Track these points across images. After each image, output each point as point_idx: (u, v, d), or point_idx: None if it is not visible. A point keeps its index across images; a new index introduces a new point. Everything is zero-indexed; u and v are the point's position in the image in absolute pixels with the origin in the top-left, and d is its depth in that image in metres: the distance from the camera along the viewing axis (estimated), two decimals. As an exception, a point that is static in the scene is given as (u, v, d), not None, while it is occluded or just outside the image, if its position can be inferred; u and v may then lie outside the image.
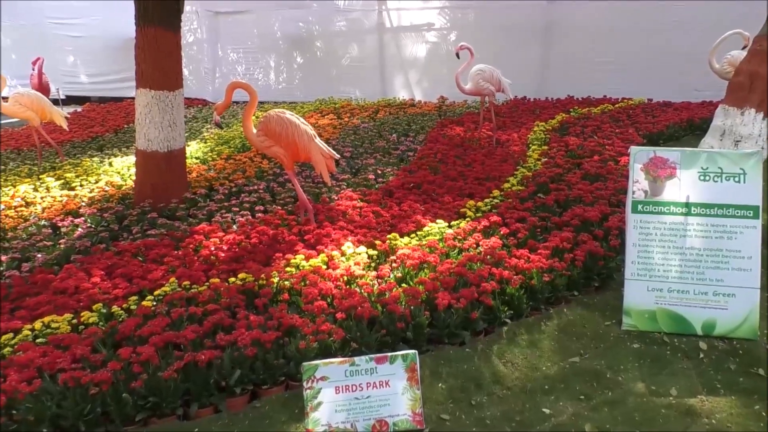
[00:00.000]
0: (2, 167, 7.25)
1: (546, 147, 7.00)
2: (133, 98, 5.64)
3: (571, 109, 9.13)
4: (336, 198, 5.40)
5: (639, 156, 3.67)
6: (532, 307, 3.79)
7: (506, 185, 5.59)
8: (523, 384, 3.12)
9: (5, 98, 7.11)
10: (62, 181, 6.43)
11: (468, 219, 4.79)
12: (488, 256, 4.02)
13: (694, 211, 3.54)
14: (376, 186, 5.83)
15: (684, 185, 3.58)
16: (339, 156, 5.06)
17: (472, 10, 11.53)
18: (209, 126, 9.54)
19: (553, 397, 3.01)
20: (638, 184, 3.64)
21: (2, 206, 5.56)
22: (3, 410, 2.66)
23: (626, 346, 3.42)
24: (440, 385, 3.11)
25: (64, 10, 13.98)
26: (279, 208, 5.22)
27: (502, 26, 11.10)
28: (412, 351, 2.86)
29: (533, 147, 7.00)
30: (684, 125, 8.34)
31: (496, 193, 5.33)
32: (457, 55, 7.20)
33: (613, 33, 10.58)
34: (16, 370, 2.85)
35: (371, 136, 7.93)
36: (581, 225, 4.56)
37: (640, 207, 3.62)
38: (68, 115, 8.23)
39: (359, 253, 4.11)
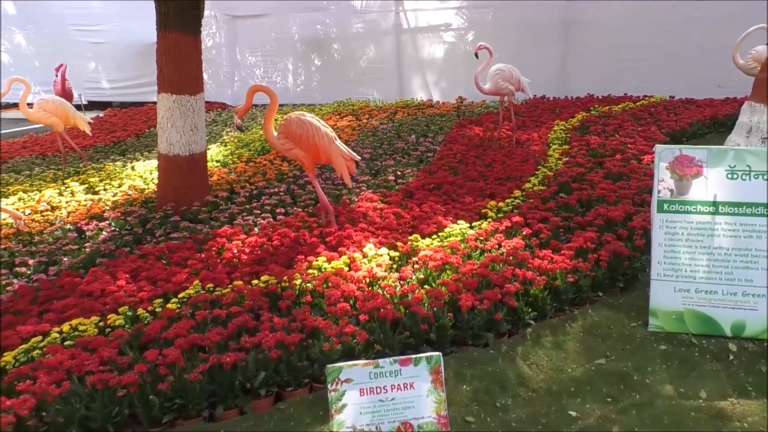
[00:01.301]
0: (28, 172, 7.37)
1: (567, 146, 6.93)
2: (154, 103, 5.71)
3: (592, 108, 9.04)
4: (356, 200, 5.41)
5: (664, 154, 3.61)
6: (556, 308, 3.75)
7: (527, 185, 5.55)
8: (549, 386, 3.09)
9: (30, 105, 7.23)
10: (86, 185, 6.52)
11: (489, 219, 4.76)
12: (511, 257, 3.99)
13: (722, 210, 3.48)
14: (396, 187, 5.83)
15: (711, 184, 3.52)
16: (359, 158, 5.06)
17: (490, 10, 11.48)
18: (229, 129, 9.62)
19: (580, 399, 2.98)
20: (664, 183, 3.58)
21: (29, 211, 5.65)
22: (33, 412, 2.69)
23: (653, 348, 3.37)
24: (464, 387, 3.09)
25: (86, 18, 14.20)
26: (300, 210, 5.23)
27: (521, 25, 11.03)
28: (437, 353, 2.84)
29: (554, 146, 6.94)
30: (708, 123, 8.21)
31: (517, 193, 5.29)
32: (476, 55, 7.17)
33: (634, 30, 10.45)
34: (46, 373, 2.89)
35: (390, 138, 7.92)
36: (605, 225, 4.50)
37: (665, 206, 3.57)
38: (91, 121, 8.34)
39: (381, 255, 4.11)
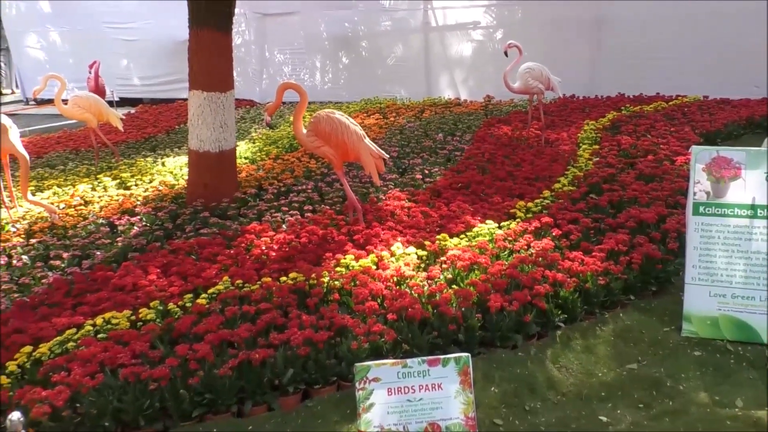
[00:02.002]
0: (62, 167, 7.53)
1: (597, 146, 6.83)
2: (184, 99, 5.79)
3: (623, 107, 8.89)
4: (384, 198, 5.40)
5: (701, 156, 3.53)
6: (586, 311, 3.70)
7: (557, 185, 5.48)
8: (579, 390, 3.05)
9: (65, 101, 7.38)
10: (118, 180, 6.64)
11: (518, 220, 4.71)
12: (540, 258, 3.94)
13: (761, 213, 3.39)
14: (424, 186, 5.80)
15: (749, 186, 3.42)
16: (387, 156, 5.06)
17: (519, 7, 11.36)
18: (257, 126, 9.69)
19: (611, 404, 2.93)
20: (700, 185, 3.50)
21: (63, 205, 5.77)
22: (68, 403, 2.75)
23: (687, 354, 3.30)
24: (493, 389, 3.06)
25: (120, 15, 14.45)
26: (327, 207, 5.25)
27: (551, 23, 10.89)
28: (465, 354, 2.82)
29: (584, 146, 6.84)
30: (743, 123, 8.01)
31: (546, 193, 5.23)
32: (506, 54, 7.10)
33: (667, 27, 10.23)
34: (80, 365, 2.95)
35: (417, 136, 7.90)
36: (637, 227, 4.42)
37: (701, 209, 3.49)
38: (123, 117, 8.49)
39: (409, 254, 4.10)
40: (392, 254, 4.11)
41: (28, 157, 5.39)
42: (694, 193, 3.51)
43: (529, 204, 4.99)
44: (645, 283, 3.95)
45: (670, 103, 9.19)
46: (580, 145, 6.96)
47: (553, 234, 4.35)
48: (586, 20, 10.82)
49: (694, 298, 3.46)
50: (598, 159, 6.30)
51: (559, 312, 3.60)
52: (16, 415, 2.17)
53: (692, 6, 9.88)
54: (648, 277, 3.95)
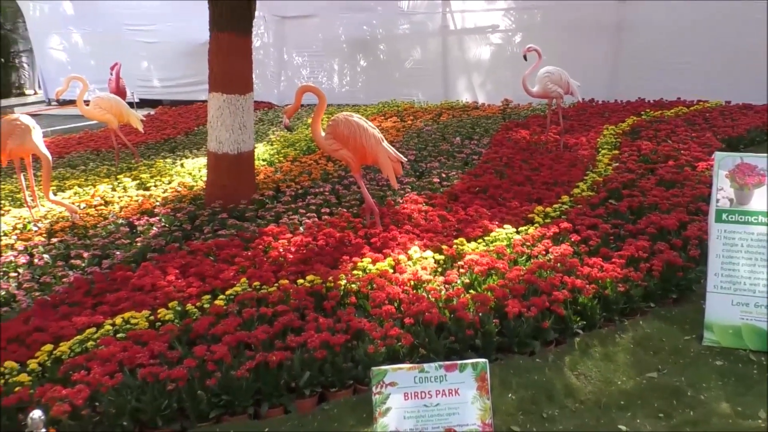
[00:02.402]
0: (83, 167, 7.62)
1: (617, 151, 6.77)
2: (203, 101, 5.82)
3: (643, 112, 8.79)
4: (401, 201, 5.39)
5: (724, 162, 3.48)
6: (605, 318, 3.66)
7: (576, 191, 5.43)
8: (597, 398, 3.01)
9: (86, 102, 7.47)
10: (138, 181, 6.71)
11: (536, 225, 4.68)
12: (559, 264, 3.91)
13: (786, 221, 3.33)
14: (441, 189, 5.79)
15: (774, 194, 3.37)
16: (405, 159, 5.05)
17: (538, 11, 11.30)
18: (275, 128, 9.74)
19: (630, 413, 2.89)
20: (723, 191, 3.45)
21: (83, 205, 5.84)
22: (87, 402, 2.77)
23: (708, 363, 3.25)
24: (510, 395, 3.04)
25: (141, 18, 14.61)
26: (344, 210, 5.25)
27: (570, 27, 10.82)
28: (483, 360, 2.80)
29: (603, 151, 6.78)
30: (766, 129, 7.88)
31: (565, 198, 5.19)
32: (525, 57, 7.07)
33: (688, 32, 10.10)
34: (99, 364, 2.98)
35: (435, 139, 7.89)
36: (657, 234, 4.37)
37: (724, 216, 3.43)
38: (143, 118, 8.58)
39: (426, 258, 4.08)
40: (409, 258, 4.10)
41: (50, 157, 5.46)
42: (717, 200, 3.45)
43: (548, 209, 4.95)
44: (665, 290, 3.90)
45: (691, 108, 9.08)
46: (600, 150, 6.90)
47: (572, 239, 4.31)
48: (606, 24, 10.73)
49: (716, 307, 3.40)
50: (617, 164, 6.24)
51: (578, 318, 3.56)
52: (37, 414, 2.19)
53: (713, 10, 9.76)
54: (669, 285, 3.90)
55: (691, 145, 6.77)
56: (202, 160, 7.28)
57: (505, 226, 4.59)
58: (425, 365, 2.79)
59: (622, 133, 7.68)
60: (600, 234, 4.38)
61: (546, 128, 7.78)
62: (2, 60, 18.31)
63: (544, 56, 7.06)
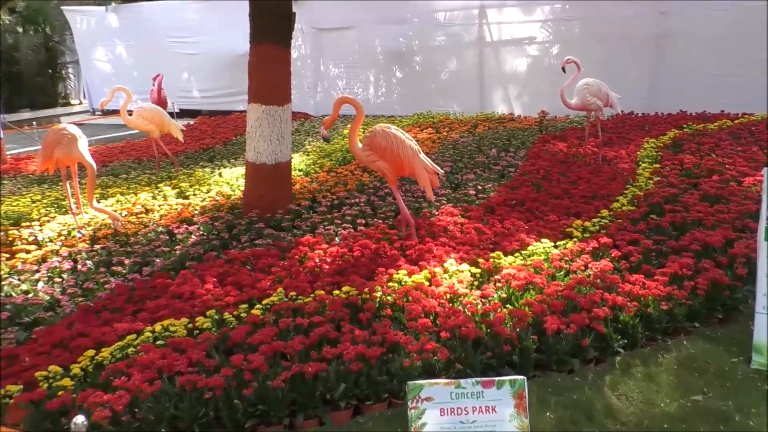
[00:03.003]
0: (125, 176, 7.82)
1: (658, 165, 6.62)
2: (240, 111, 5.91)
3: (685, 125, 8.58)
4: (436, 213, 5.37)
5: (774, 178, 3.36)
6: (647, 337, 3.56)
7: (615, 205, 5.33)
8: (639, 420, 2.93)
9: (129, 112, 7.67)
10: (177, 190, 6.84)
11: (575, 239, 4.60)
12: (599, 280, 3.83)
13: (841, 240, 3.19)
14: (477, 202, 5.74)
15: (828, 212, 3.23)
16: (442, 171, 5.03)
17: (577, 23, 11.17)
18: (311, 139, 9.83)
19: (674, 437, 2.80)
20: (773, 208, 3.33)
21: (125, 212, 5.98)
22: (127, 408, 2.81)
23: (757, 387, 3.13)
24: (548, 414, 2.98)
25: (183, 30, 15.00)
26: (380, 221, 5.25)
27: (610, 38, 10.65)
28: (521, 377, 2.75)
29: (644, 165, 6.64)
30: (816, 143, 7.60)
31: (604, 212, 5.09)
32: (563, 69, 6.99)
33: (731, 43, 9.83)
34: (139, 370, 3.03)
35: (470, 151, 7.84)
36: (702, 251, 4.24)
37: (774, 234, 3.31)
38: (183, 128, 8.76)
39: (462, 271, 4.05)
40: (445, 271, 4.07)
41: (95, 165, 5.61)
42: (767, 217, 3.33)
43: (587, 223, 4.86)
44: (711, 310, 3.78)
45: (736, 121, 8.82)
46: (640, 163, 6.76)
47: (612, 255, 4.22)
48: (646, 35, 10.53)
49: (766, 329, 3.28)
50: (659, 178, 6.09)
51: (619, 337, 3.47)
52: (80, 419, 2.24)
53: (757, 21, 9.48)
54: (714, 304, 3.78)
55: (737, 160, 6.58)
56: (240, 170, 7.39)
57: (543, 240, 4.52)
58: (462, 381, 2.75)
59: (663, 147, 7.51)
60: (641, 250, 4.27)
61: (584, 141, 7.67)
62: (50, 71, 18.95)
63: (583, 68, 6.97)
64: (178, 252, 4.86)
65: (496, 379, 2.76)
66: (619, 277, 3.85)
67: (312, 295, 3.79)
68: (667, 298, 3.65)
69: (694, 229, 4.60)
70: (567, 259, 4.22)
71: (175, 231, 5.35)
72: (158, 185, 7.10)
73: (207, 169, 7.96)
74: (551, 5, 11.30)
